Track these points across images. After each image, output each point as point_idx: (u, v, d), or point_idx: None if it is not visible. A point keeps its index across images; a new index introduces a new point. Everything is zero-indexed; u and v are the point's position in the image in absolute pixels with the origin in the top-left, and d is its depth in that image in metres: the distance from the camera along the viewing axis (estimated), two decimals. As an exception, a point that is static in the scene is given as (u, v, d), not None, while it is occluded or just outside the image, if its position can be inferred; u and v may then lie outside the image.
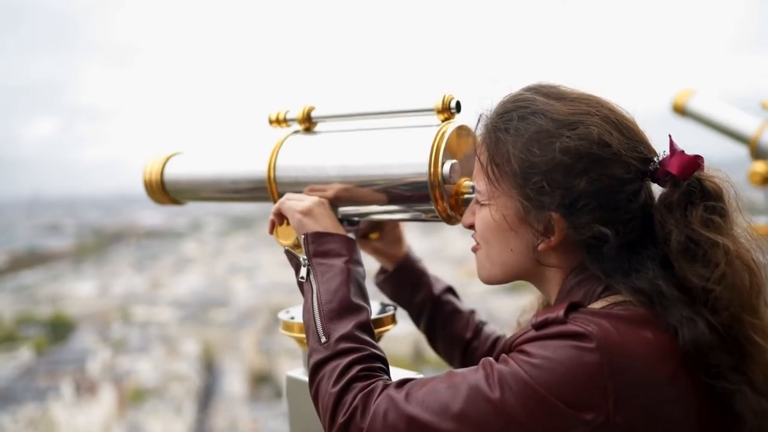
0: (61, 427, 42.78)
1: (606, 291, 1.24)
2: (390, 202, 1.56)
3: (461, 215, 1.52)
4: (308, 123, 1.74)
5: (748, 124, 3.38)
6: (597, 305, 1.22)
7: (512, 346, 1.20)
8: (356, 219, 1.74)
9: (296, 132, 1.77)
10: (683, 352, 1.14)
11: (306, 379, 1.71)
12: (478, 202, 1.37)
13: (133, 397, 50.71)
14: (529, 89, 1.33)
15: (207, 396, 54.82)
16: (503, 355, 1.19)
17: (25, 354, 53.84)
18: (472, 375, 1.17)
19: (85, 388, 47.92)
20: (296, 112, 1.74)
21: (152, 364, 54.21)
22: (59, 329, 61.67)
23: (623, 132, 1.25)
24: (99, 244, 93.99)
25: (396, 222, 1.86)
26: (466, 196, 1.52)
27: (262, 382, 56.12)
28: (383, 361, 1.36)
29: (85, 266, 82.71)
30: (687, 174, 1.22)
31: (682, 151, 1.24)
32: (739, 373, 1.16)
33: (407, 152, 1.53)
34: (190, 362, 55.55)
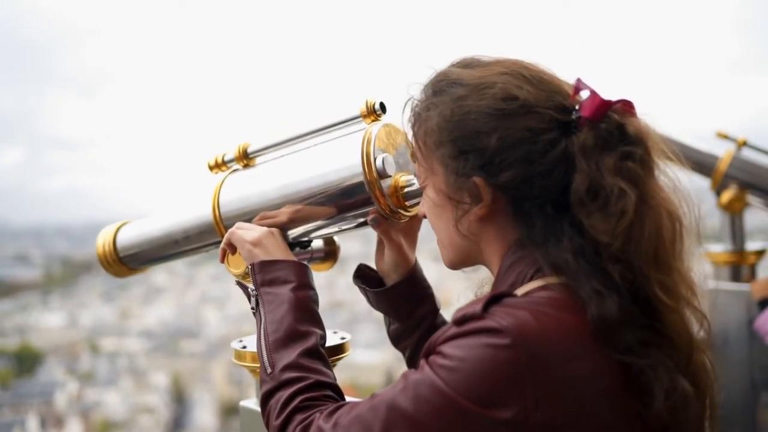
0: (26, 463, 41.68)
1: (539, 272, 1.18)
2: (339, 211, 1.58)
3: (405, 210, 1.54)
4: (246, 160, 1.76)
5: (708, 154, 3.36)
6: (526, 289, 1.17)
7: (435, 346, 1.14)
8: (307, 241, 1.75)
9: (235, 171, 1.80)
10: (595, 329, 1.08)
11: (258, 408, 1.72)
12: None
13: (101, 430, 49.70)
14: (449, 64, 1.31)
15: (177, 428, 53.84)
16: (422, 360, 1.16)
17: (-11, 387, 52.69)
18: (391, 392, 1.13)
19: (52, 422, 46.87)
20: (233, 153, 1.77)
21: (121, 396, 53.24)
22: (26, 361, 60.41)
23: (536, 85, 1.20)
24: (67, 274, 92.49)
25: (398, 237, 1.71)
26: (406, 189, 1.53)
27: (233, 413, 55.23)
28: (331, 387, 1.34)
29: (53, 297, 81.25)
30: (598, 115, 1.16)
31: (593, 91, 1.18)
32: (650, 347, 1.10)
33: (340, 157, 1.56)
34: (160, 394, 54.62)
